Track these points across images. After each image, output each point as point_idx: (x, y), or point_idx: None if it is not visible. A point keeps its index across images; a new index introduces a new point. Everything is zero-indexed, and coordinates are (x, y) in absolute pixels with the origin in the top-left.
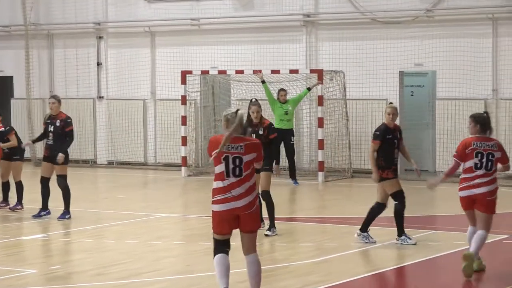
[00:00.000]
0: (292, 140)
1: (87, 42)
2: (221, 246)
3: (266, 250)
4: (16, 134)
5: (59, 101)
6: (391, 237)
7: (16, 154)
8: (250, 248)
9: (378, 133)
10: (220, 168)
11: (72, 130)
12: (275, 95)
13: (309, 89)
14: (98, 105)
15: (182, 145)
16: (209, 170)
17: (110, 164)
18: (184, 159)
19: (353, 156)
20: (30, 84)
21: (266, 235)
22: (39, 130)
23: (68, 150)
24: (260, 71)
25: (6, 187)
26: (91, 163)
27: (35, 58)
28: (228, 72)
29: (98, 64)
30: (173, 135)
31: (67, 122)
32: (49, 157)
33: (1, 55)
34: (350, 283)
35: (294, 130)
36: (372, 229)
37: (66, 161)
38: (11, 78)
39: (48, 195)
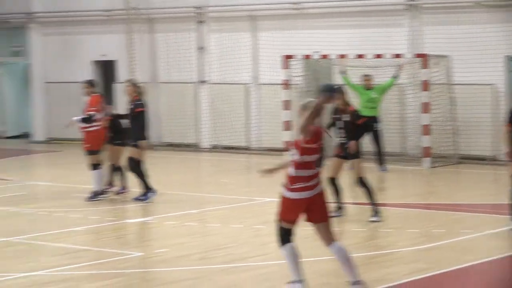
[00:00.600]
0: (375, 126)
1: (187, 26)
2: (290, 236)
3: (370, 236)
4: (116, 119)
5: (133, 85)
6: (501, 225)
7: (118, 139)
8: (330, 236)
9: (510, 115)
10: (315, 156)
11: (141, 112)
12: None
13: (395, 77)
14: (200, 90)
15: (285, 129)
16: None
17: (214, 148)
18: (287, 143)
19: (460, 142)
20: (133, 69)
21: (371, 221)
22: None
23: (146, 133)
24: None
25: (113, 171)
26: (194, 147)
27: (137, 42)
28: (330, 57)
29: (201, 48)
30: (276, 120)
31: (136, 104)
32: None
33: (103, 40)
34: (458, 271)
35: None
36: (479, 216)
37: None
38: (114, 62)
39: (143, 177)
